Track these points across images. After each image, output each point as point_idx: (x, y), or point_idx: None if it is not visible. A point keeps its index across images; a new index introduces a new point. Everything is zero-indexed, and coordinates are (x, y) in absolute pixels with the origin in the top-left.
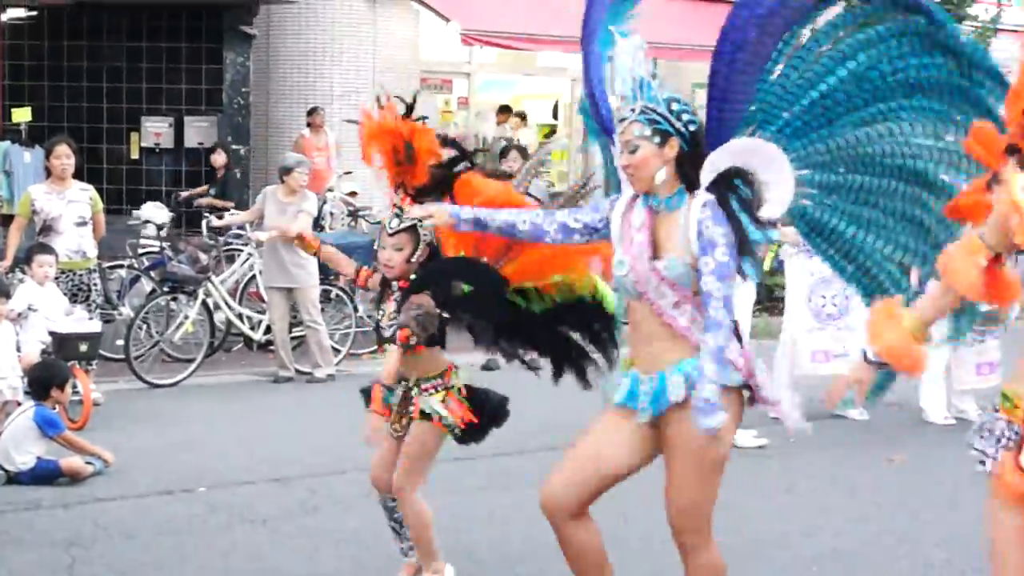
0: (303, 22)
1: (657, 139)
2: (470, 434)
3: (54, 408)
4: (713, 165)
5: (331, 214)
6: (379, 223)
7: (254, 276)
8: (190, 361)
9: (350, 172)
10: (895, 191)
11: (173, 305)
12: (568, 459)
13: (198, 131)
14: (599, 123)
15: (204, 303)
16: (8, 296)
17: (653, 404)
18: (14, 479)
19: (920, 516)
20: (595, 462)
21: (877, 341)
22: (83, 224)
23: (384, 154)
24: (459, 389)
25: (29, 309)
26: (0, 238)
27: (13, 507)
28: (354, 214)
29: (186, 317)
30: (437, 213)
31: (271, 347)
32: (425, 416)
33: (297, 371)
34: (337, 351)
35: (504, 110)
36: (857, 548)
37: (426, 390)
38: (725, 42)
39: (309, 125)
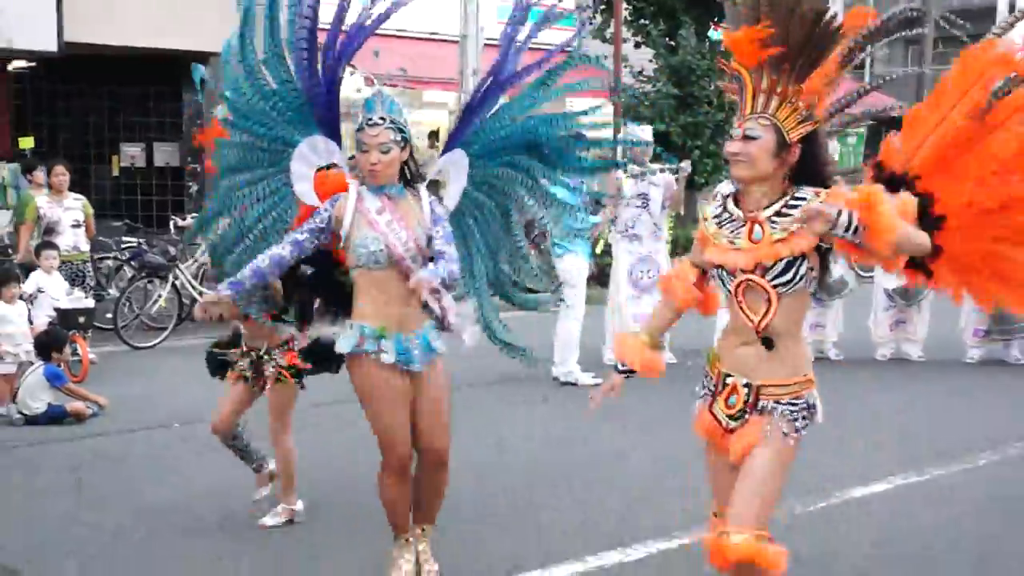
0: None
1: (402, 144)
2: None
3: (59, 366)
4: (440, 163)
5: None
6: None
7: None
8: (163, 329)
9: None
10: (494, 217)
11: (150, 287)
12: (389, 428)
13: (164, 154)
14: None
15: (173, 285)
16: (20, 282)
17: (424, 357)
18: (31, 421)
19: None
20: (404, 429)
21: (624, 356)
22: (78, 226)
23: None
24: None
25: (38, 291)
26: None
27: (31, 442)
28: None
29: (160, 295)
30: (220, 302)
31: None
32: (278, 380)
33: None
34: None
35: (433, 135)
36: (674, 452)
37: (274, 356)
38: (480, 90)
39: None
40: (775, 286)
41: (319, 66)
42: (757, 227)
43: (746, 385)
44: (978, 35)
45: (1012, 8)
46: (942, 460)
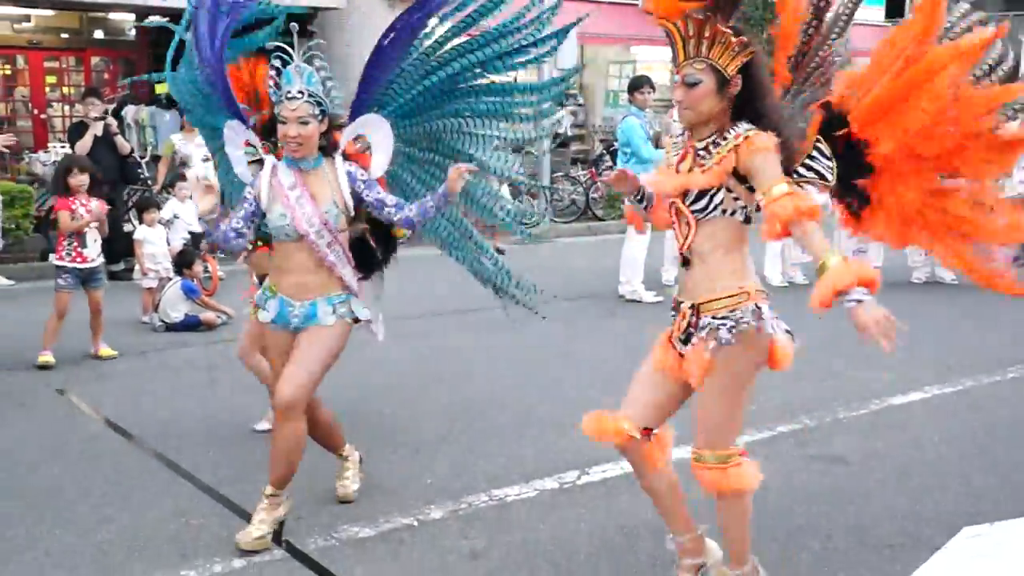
0: (344, 22)
1: (319, 117)
2: None
3: (193, 281)
4: (348, 132)
5: None
6: None
7: None
8: None
9: None
10: (442, 170)
11: None
12: (272, 374)
13: None
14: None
15: None
16: (159, 208)
17: (303, 323)
18: (170, 328)
19: None
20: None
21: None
22: (207, 160)
23: (246, 105)
24: None
25: (175, 217)
26: (152, 172)
27: (172, 345)
28: None
29: None
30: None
31: None
32: None
33: None
34: None
35: None
36: None
37: None
38: (380, 45)
39: None
40: (692, 212)
41: (207, 48)
42: (688, 157)
43: (691, 307)
44: None
45: None
46: (974, 373)
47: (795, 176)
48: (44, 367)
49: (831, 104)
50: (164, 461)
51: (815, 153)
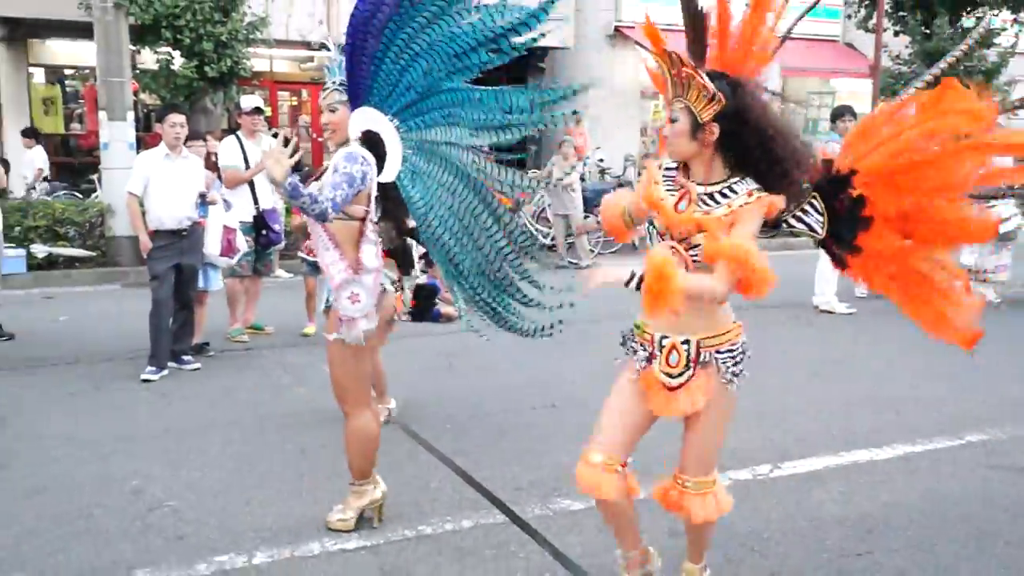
0: (572, 60)
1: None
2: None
3: (436, 279)
4: (354, 125)
5: (589, 171)
6: (617, 176)
7: (544, 207)
8: None
9: (599, 147)
10: (453, 189)
11: None
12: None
13: None
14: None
15: None
16: None
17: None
18: (415, 319)
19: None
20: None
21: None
22: None
23: None
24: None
25: None
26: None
27: (414, 334)
28: (602, 171)
29: None
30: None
31: (553, 247)
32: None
33: (568, 262)
34: (592, 251)
35: None
36: (929, 367)
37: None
38: (347, 35)
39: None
40: (693, 259)
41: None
42: (685, 200)
43: (685, 342)
44: None
45: None
46: None
47: (785, 226)
48: (306, 335)
49: (831, 162)
50: (407, 432)
51: (808, 208)
